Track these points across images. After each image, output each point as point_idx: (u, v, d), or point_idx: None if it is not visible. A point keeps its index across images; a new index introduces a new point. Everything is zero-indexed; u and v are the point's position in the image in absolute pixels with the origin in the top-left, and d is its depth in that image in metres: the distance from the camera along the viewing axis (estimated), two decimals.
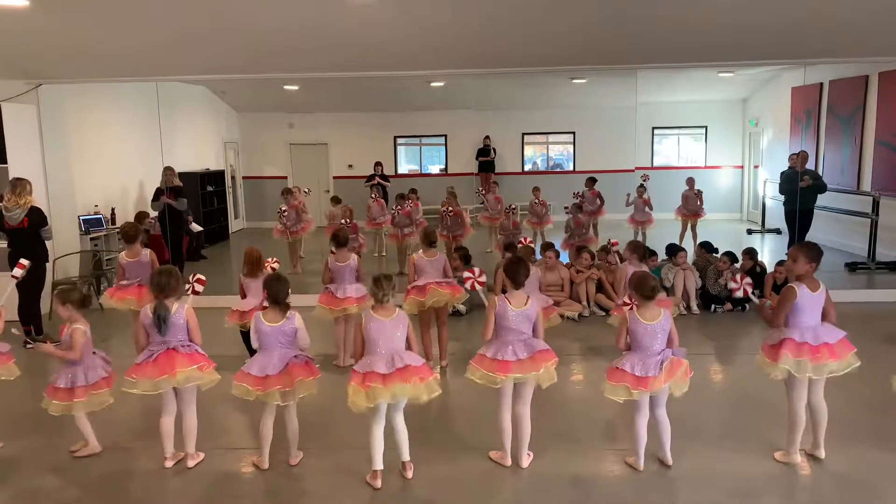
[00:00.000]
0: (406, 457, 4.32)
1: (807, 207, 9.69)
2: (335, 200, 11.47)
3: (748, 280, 4.78)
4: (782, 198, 10.31)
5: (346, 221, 10.06)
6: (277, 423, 4.43)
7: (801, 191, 9.45)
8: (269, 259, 6.08)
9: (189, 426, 4.49)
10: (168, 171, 10.03)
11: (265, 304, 4.59)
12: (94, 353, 4.61)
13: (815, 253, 4.31)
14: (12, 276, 5.21)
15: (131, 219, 10.20)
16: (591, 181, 11.46)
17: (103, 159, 10.41)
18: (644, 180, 11.49)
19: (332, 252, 6.30)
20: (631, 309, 4.40)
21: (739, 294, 4.77)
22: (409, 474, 4.31)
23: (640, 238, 10.84)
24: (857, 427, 4.89)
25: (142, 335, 4.44)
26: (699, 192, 11.17)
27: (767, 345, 4.35)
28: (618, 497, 4.14)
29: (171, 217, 9.82)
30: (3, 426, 5.05)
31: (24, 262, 5.21)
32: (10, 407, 5.34)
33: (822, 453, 4.40)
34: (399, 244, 10.46)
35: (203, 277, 4.84)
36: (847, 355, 4.26)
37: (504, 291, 4.47)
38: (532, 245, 7.36)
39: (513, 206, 10.87)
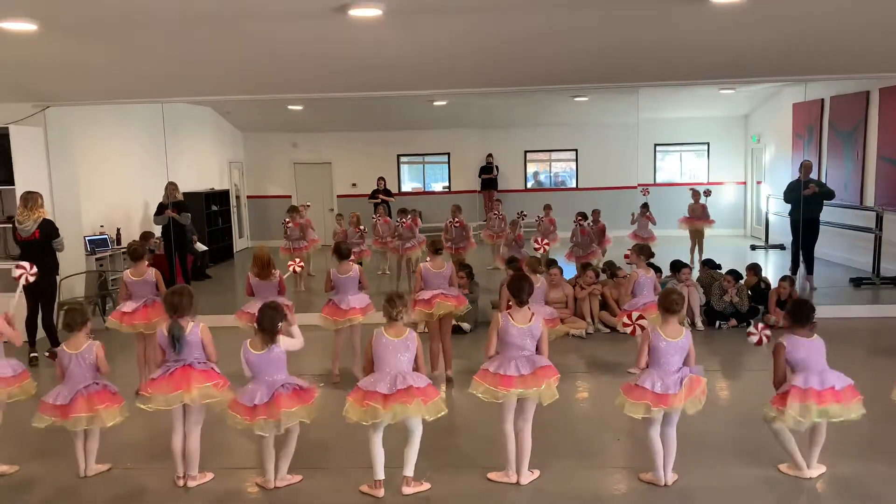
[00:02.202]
0: (408, 472, 4.31)
1: (813, 216, 9.67)
2: (339, 217, 11.58)
3: (767, 332, 4.72)
4: (785, 213, 10.32)
5: (362, 230, 10.13)
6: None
7: (806, 199, 9.44)
8: (294, 261, 6.10)
9: (192, 447, 4.48)
10: (171, 186, 10.11)
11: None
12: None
13: (797, 315, 4.31)
14: (14, 278, 5.22)
15: (136, 238, 10.29)
16: (596, 213, 11.33)
17: (109, 180, 10.48)
18: (644, 194, 11.54)
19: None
20: (636, 329, 4.43)
21: (754, 339, 4.68)
22: (407, 490, 4.29)
23: None
24: (861, 440, 4.87)
25: (158, 353, 4.49)
26: (703, 205, 11.25)
27: (776, 395, 4.31)
28: None
29: (175, 232, 9.87)
30: (16, 447, 5.02)
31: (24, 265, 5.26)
32: (20, 426, 5.32)
33: (815, 472, 4.37)
34: (400, 258, 10.54)
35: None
36: (852, 402, 4.22)
37: (509, 306, 4.49)
38: (545, 252, 7.37)
39: (523, 213, 10.90)
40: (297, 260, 6.15)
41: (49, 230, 7.13)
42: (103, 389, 4.55)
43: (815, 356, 4.24)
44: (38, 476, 4.74)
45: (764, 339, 4.67)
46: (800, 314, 4.31)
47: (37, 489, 4.59)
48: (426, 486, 4.37)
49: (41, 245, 7.06)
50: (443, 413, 4.25)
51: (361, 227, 10.38)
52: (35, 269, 5.32)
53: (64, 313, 4.73)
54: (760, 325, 4.73)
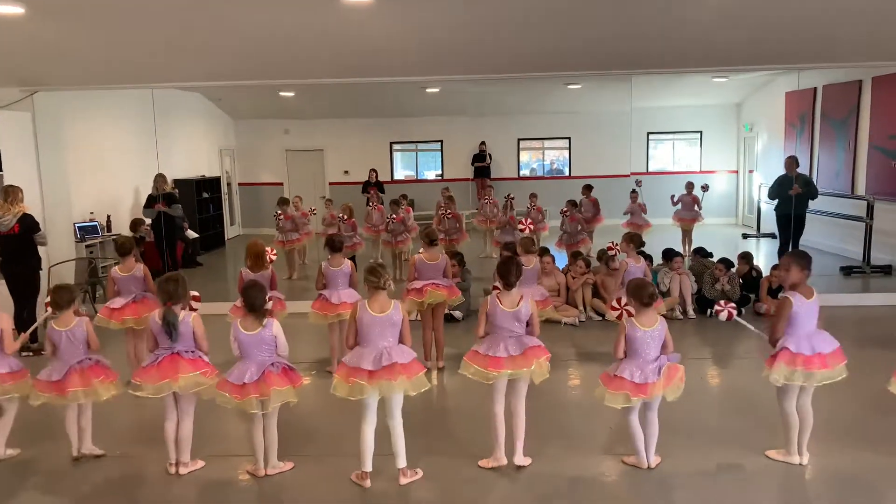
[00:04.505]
0: (401, 463, 4.31)
1: (798, 213, 9.70)
2: (329, 202, 11.54)
3: (732, 304, 4.99)
4: (773, 203, 10.36)
5: (344, 217, 10.11)
6: (281, 432, 4.45)
7: (791, 197, 9.47)
8: (269, 249, 6.10)
9: (184, 434, 4.48)
10: (160, 178, 10.04)
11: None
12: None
13: (805, 260, 4.35)
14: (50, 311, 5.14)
15: (127, 226, 10.23)
16: (588, 188, 11.50)
17: (99, 166, 10.40)
18: (638, 185, 11.54)
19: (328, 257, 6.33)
20: (623, 315, 4.44)
21: (724, 316, 4.91)
22: (404, 481, 4.30)
23: None
24: (850, 428, 4.91)
25: (150, 341, 4.48)
26: (696, 197, 11.24)
27: (771, 355, 4.36)
28: (616, 498, 4.15)
29: (165, 224, 9.83)
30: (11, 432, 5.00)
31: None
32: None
33: (805, 458, 4.42)
34: (393, 250, 10.56)
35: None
36: (837, 365, 4.29)
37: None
38: (533, 236, 7.37)
39: (511, 196, 10.90)
40: (271, 248, 6.14)
41: (29, 225, 7.03)
42: (97, 364, 4.58)
43: (811, 316, 4.28)
44: (32, 461, 4.75)
45: (732, 312, 4.87)
46: (805, 260, 4.34)
47: (30, 473, 4.59)
48: (419, 473, 4.38)
49: (21, 240, 6.97)
50: (426, 388, 4.28)
51: (344, 216, 10.35)
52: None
53: (51, 292, 4.71)
54: (723, 301, 5.00)
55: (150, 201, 10.07)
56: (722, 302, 4.97)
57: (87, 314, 4.78)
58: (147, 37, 6.95)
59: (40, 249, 7.25)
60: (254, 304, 4.31)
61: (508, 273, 4.40)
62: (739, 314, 4.98)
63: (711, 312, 8.09)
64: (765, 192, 12.93)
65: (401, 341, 4.27)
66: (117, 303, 5.97)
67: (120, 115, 10.93)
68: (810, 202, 9.89)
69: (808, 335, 4.27)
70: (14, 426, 4.95)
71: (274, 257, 6.08)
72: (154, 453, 4.67)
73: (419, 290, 6.17)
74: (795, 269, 4.29)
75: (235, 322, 4.38)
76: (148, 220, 10.18)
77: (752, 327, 5.05)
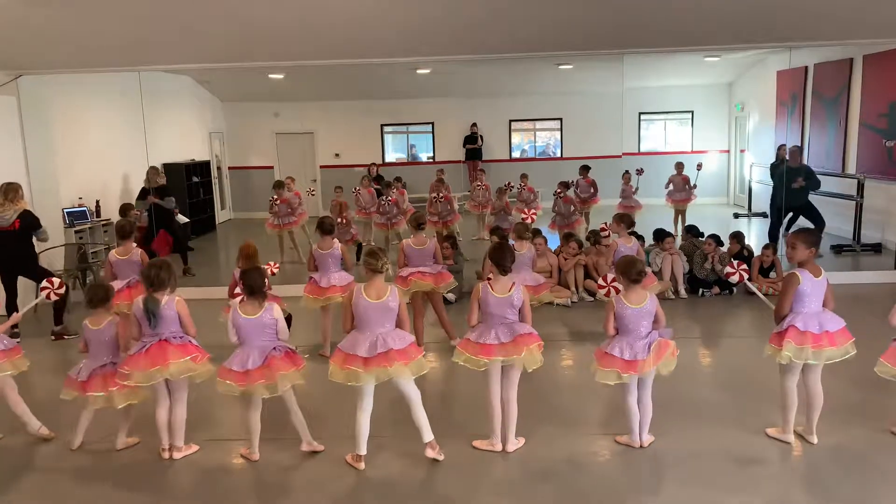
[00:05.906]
0: (427, 437, 4.32)
1: (801, 203, 9.71)
2: (338, 189, 11.34)
3: (744, 266, 4.89)
4: (768, 182, 10.34)
5: (343, 220, 9.98)
6: (273, 415, 4.44)
7: (794, 189, 9.46)
8: (271, 263, 6.01)
9: (178, 419, 4.48)
10: (152, 170, 9.96)
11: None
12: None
13: (813, 238, 4.34)
14: (45, 294, 5.11)
15: (115, 211, 10.15)
16: (585, 169, 11.45)
17: (86, 151, 10.29)
18: (638, 173, 11.54)
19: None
20: (611, 291, 4.45)
21: (735, 279, 4.86)
22: (430, 454, 4.31)
23: None
24: (845, 406, 4.94)
25: (134, 328, 4.44)
26: (686, 177, 11.23)
27: (774, 332, 4.36)
28: (609, 477, 4.18)
29: (158, 216, 9.76)
30: (9, 418, 4.98)
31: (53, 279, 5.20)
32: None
33: (814, 439, 4.44)
34: (387, 233, 10.50)
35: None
36: (845, 343, 4.31)
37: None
38: (529, 222, 7.34)
39: (509, 184, 10.86)
40: (275, 262, 6.05)
41: (30, 221, 7.02)
42: (118, 370, 4.50)
43: (817, 294, 4.28)
44: (29, 447, 4.75)
45: (743, 274, 4.84)
46: (813, 238, 4.34)
47: (25, 460, 4.59)
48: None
49: (20, 236, 6.97)
50: (424, 372, 4.29)
51: (342, 220, 10.26)
52: (63, 289, 5.22)
53: (86, 290, 4.70)
54: (736, 263, 4.92)
55: (143, 194, 10.01)
56: (735, 263, 4.91)
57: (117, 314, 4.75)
58: (133, 18, 6.85)
59: (36, 243, 7.22)
60: (253, 288, 4.29)
61: (503, 258, 4.37)
62: (750, 279, 4.95)
63: (703, 292, 8.17)
64: (756, 171, 12.97)
65: (399, 326, 4.26)
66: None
67: (107, 99, 10.80)
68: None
69: (816, 313, 4.27)
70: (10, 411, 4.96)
71: (276, 270, 5.98)
72: (148, 439, 4.67)
73: (405, 278, 6.14)
74: (802, 247, 4.27)
75: (235, 308, 4.34)
76: (143, 211, 10.11)
77: (762, 296, 5.01)
